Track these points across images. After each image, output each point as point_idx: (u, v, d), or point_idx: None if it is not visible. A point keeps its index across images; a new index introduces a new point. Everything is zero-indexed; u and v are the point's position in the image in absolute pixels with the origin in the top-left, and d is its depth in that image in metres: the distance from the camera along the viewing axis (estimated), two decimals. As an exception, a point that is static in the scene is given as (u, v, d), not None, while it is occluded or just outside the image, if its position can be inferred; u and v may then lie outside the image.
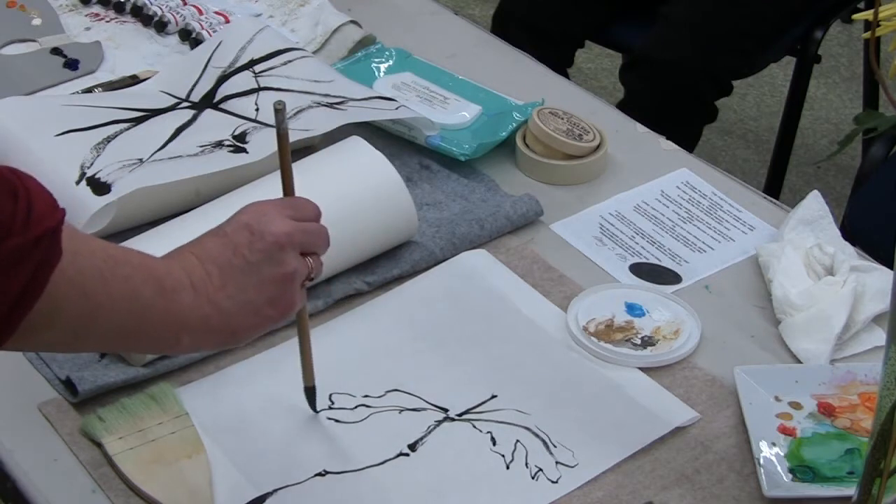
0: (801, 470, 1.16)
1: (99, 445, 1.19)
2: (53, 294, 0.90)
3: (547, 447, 1.20)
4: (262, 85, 1.53)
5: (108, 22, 1.78)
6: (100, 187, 1.36)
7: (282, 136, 1.10)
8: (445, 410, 1.24)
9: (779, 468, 1.16)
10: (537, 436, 1.21)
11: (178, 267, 1.02)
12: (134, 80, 1.64)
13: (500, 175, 1.53)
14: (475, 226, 1.42)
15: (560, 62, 2.44)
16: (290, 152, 1.12)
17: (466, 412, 1.23)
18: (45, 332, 0.93)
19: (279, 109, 1.08)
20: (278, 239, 1.05)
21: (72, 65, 1.68)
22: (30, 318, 0.89)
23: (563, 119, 1.54)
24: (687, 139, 2.31)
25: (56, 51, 1.71)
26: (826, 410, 1.23)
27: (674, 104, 2.32)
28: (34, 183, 0.90)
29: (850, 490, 1.08)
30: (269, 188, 1.37)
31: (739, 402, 1.23)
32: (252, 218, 1.06)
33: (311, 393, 1.21)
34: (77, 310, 0.94)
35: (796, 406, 1.23)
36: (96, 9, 1.81)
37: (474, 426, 1.22)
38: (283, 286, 1.06)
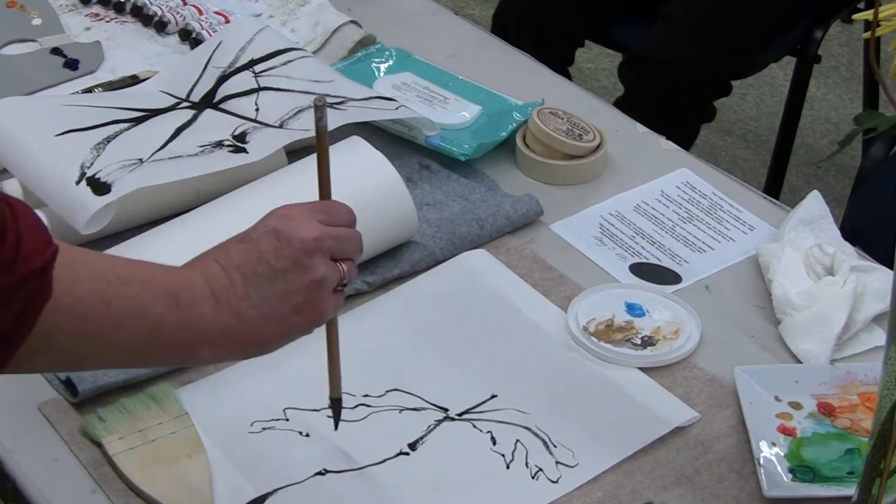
0: (801, 470, 1.16)
1: (99, 445, 1.19)
2: (47, 326, 0.89)
3: (547, 447, 1.20)
4: (262, 85, 1.53)
5: (108, 22, 1.78)
6: (100, 187, 1.35)
7: (321, 133, 1.06)
8: (445, 410, 1.24)
9: (779, 468, 1.16)
10: (537, 436, 1.21)
11: (198, 276, 1.00)
12: (134, 80, 1.64)
13: (500, 175, 1.53)
14: (475, 226, 1.42)
15: (560, 61, 2.44)
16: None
17: (466, 412, 1.23)
18: (39, 359, 0.92)
19: (319, 105, 1.05)
20: (305, 245, 1.02)
21: (72, 65, 1.68)
22: (21, 350, 0.88)
23: (563, 119, 1.54)
24: (685, 138, 2.31)
25: (56, 51, 1.71)
26: (826, 410, 1.23)
27: (673, 104, 2.33)
28: (28, 217, 0.88)
29: (850, 490, 1.08)
30: (269, 188, 1.37)
31: (739, 402, 1.23)
32: (279, 223, 1.03)
33: (336, 405, 1.17)
34: (75, 336, 0.93)
35: (796, 406, 1.23)
36: (96, 9, 1.81)
37: (474, 426, 1.22)
38: (311, 293, 1.02)
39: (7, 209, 0.87)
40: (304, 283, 1.02)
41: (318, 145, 1.07)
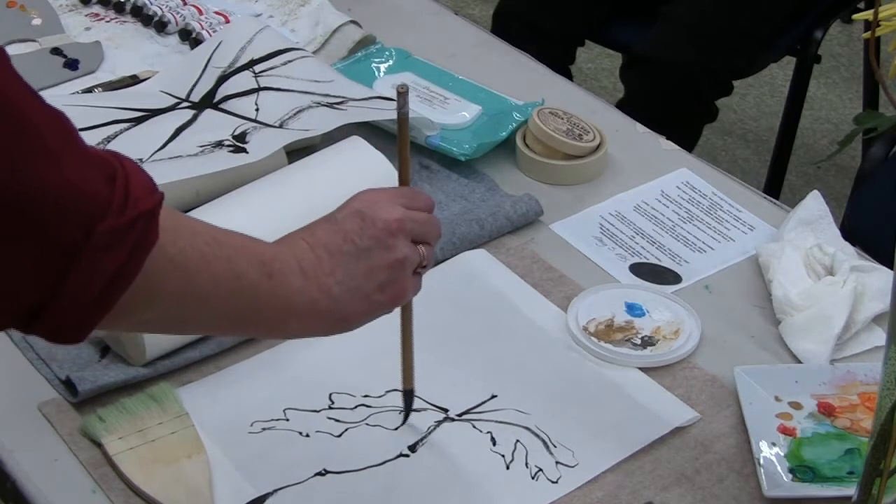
0: (801, 470, 1.16)
1: (99, 445, 1.19)
2: (152, 273, 0.90)
3: (547, 447, 1.20)
4: (262, 85, 1.53)
5: (108, 22, 1.78)
6: (100, 187, 1.35)
7: (402, 120, 1.09)
8: (445, 410, 1.24)
9: (779, 468, 1.16)
10: (537, 436, 1.21)
11: (287, 251, 1.02)
12: (134, 80, 1.64)
13: (500, 175, 1.53)
14: (475, 226, 1.42)
15: (561, 61, 2.44)
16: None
17: (466, 412, 1.23)
18: (144, 312, 0.93)
19: (402, 93, 1.07)
20: (389, 225, 1.05)
21: (72, 65, 1.68)
22: (128, 297, 0.89)
23: (563, 119, 1.54)
24: (687, 139, 2.31)
25: (56, 51, 1.71)
26: (826, 410, 1.23)
27: (674, 104, 2.33)
28: (133, 166, 0.90)
29: (850, 490, 1.08)
30: (269, 188, 1.37)
31: (739, 402, 1.23)
32: (363, 205, 1.06)
33: (408, 397, 1.20)
34: (178, 290, 0.94)
35: (796, 406, 1.23)
36: (96, 9, 1.81)
37: (474, 426, 1.22)
38: (394, 272, 1.06)
39: (115, 160, 0.89)
40: (387, 261, 1.05)
41: (399, 132, 1.10)
